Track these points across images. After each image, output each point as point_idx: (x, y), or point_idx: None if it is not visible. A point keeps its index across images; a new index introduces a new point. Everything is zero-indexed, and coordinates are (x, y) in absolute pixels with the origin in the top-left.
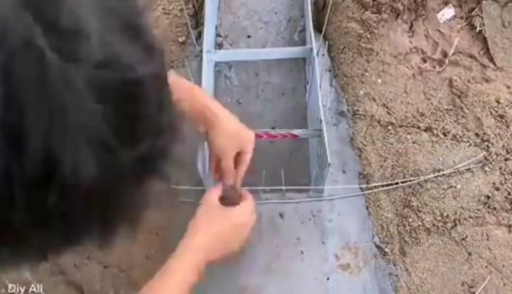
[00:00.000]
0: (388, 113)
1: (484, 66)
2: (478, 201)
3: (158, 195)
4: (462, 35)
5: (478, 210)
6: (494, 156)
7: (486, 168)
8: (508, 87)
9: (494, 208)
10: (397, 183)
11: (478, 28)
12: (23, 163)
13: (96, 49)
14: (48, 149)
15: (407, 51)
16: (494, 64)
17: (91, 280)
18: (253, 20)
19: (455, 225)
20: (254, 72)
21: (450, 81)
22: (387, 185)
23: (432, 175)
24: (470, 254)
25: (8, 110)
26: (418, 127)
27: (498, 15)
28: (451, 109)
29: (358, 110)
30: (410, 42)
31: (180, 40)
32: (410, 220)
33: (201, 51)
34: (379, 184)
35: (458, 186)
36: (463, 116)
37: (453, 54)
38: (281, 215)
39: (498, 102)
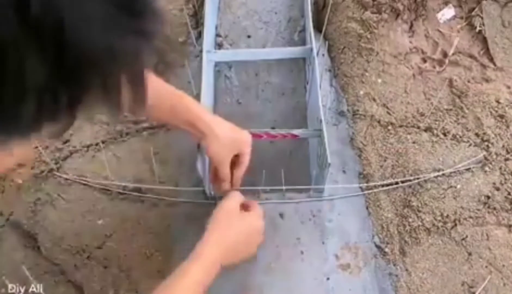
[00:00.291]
0: (388, 113)
1: (484, 66)
2: (478, 201)
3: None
4: (462, 35)
5: (478, 210)
6: (494, 156)
7: (486, 168)
8: (508, 87)
9: (494, 208)
10: (397, 183)
11: (478, 28)
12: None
13: None
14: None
15: (407, 51)
16: (494, 64)
17: (91, 280)
18: (253, 20)
19: (455, 225)
20: (254, 72)
21: (450, 81)
22: (387, 185)
23: (432, 175)
24: (470, 254)
25: None
26: (418, 127)
27: (498, 15)
28: (451, 109)
29: (358, 110)
30: (410, 42)
31: (180, 40)
32: (410, 220)
33: (201, 51)
34: (379, 184)
35: (458, 186)
36: (463, 116)
37: (453, 54)
38: (281, 215)
39: (498, 102)
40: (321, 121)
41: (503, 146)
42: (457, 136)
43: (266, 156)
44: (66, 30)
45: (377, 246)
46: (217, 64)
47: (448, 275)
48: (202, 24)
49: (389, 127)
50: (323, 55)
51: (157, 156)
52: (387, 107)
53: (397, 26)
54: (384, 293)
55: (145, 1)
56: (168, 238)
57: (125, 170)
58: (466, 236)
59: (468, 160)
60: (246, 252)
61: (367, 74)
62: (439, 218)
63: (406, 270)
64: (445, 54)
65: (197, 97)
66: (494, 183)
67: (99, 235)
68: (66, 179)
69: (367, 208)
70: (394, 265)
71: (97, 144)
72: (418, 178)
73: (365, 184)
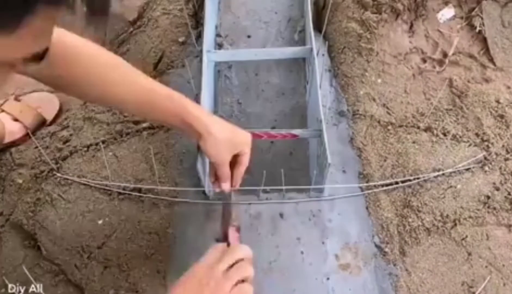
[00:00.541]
0: (388, 113)
1: (484, 66)
2: (478, 201)
3: None
4: (462, 35)
5: (478, 210)
6: (494, 156)
7: (486, 168)
8: (508, 87)
9: (494, 208)
10: (397, 183)
11: (478, 28)
12: None
13: None
14: None
15: (407, 51)
16: (494, 64)
17: (91, 280)
18: (253, 20)
19: (455, 225)
20: (254, 72)
21: (450, 81)
22: (387, 185)
23: (432, 175)
24: (470, 254)
25: None
26: (418, 127)
27: (498, 15)
28: (451, 109)
29: (358, 110)
30: (410, 42)
31: (180, 40)
32: (410, 220)
33: (201, 51)
34: (379, 184)
35: (458, 186)
36: (463, 116)
37: (453, 54)
38: (281, 215)
39: (498, 102)
40: (321, 121)
41: (503, 146)
42: (457, 136)
43: (266, 156)
44: None
45: (377, 246)
46: (217, 64)
47: (448, 275)
48: (202, 24)
49: (389, 127)
50: (323, 55)
51: (157, 156)
52: (387, 107)
53: (397, 26)
54: (384, 293)
55: None
56: (168, 238)
57: (125, 170)
58: (466, 236)
59: (468, 160)
60: None
61: (367, 74)
62: (439, 218)
63: (406, 270)
64: (445, 54)
65: (197, 97)
66: (494, 183)
67: (99, 235)
68: (66, 179)
69: (367, 208)
70: (394, 265)
71: (97, 144)
72: (418, 178)
73: (365, 184)
